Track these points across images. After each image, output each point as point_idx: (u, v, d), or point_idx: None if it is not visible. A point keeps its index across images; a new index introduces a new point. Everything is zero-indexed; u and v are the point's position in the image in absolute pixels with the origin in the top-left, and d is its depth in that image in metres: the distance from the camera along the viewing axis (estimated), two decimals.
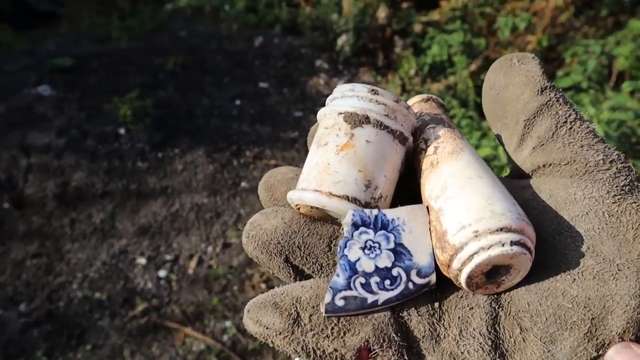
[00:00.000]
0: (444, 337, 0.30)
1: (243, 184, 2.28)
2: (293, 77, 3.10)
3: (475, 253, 0.29)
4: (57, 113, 2.40)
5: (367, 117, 0.35)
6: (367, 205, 0.34)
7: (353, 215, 0.32)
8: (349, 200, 0.33)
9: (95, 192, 2.11)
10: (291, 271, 0.35)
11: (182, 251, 1.95)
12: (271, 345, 0.31)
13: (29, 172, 2.12)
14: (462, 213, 0.31)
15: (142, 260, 1.89)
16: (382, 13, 2.80)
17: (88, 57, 2.87)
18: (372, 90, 0.36)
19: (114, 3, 3.40)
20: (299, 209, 0.36)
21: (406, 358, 0.30)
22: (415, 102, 0.43)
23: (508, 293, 0.31)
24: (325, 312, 0.30)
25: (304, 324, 0.30)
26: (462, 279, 0.30)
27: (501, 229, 0.29)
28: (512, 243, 0.29)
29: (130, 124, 2.37)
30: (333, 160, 0.34)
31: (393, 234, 0.32)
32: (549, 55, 2.37)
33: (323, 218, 0.36)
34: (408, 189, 0.38)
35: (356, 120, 0.35)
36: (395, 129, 0.35)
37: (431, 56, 2.50)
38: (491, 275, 0.30)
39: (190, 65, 2.99)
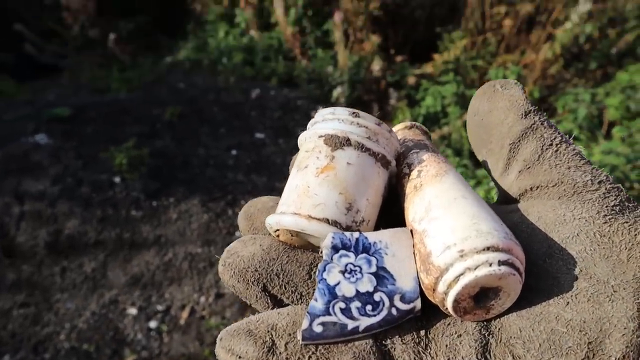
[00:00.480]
0: None
1: (237, 233, 2.26)
2: (289, 128, 3.13)
3: (462, 274, 0.28)
4: (53, 161, 2.40)
5: (348, 139, 0.34)
6: (348, 228, 0.32)
7: (333, 237, 0.31)
8: (329, 223, 0.32)
9: (88, 240, 2.08)
10: (269, 301, 0.33)
11: (174, 301, 1.91)
12: None
13: (21, 219, 2.10)
14: (446, 233, 0.29)
15: (132, 311, 1.85)
16: (376, 66, 2.86)
17: (87, 107, 2.90)
18: (354, 113, 0.35)
19: (115, 56, 3.47)
20: (278, 236, 0.35)
21: None
22: (399, 129, 0.42)
23: (498, 319, 0.29)
24: (303, 340, 0.28)
25: (279, 353, 0.28)
26: (449, 303, 0.28)
27: (488, 248, 0.28)
28: (500, 263, 0.27)
29: (125, 173, 2.37)
30: (313, 182, 0.33)
31: (375, 257, 0.31)
32: (541, 107, 2.40)
33: (303, 246, 0.35)
34: (392, 216, 0.37)
35: (337, 142, 0.34)
36: (377, 151, 0.35)
37: (425, 107, 2.54)
38: (479, 299, 0.29)
39: (187, 115, 3.02)
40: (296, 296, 0.33)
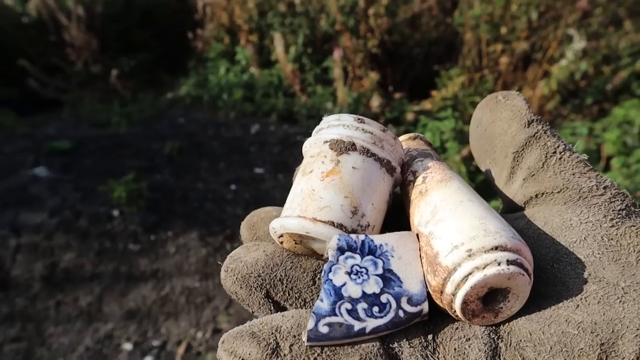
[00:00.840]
0: None
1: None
2: (288, 163, 3.14)
3: (470, 274, 0.27)
4: (52, 194, 2.39)
5: (354, 144, 0.34)
6: (353, 232, 0.32)
7: (339, 239, 0.30)
8: (334, 226, 0.31)
9: (84, 274, 2.06)
10: (272, 308, 0.32)
11: (170, 336, 1.87)
12: None
13: (17, 252, 2.08)
14: (454, 233, 0.29)
15: (127, 346, 1.81)
16: (375, 102, 2.89)
17: (86, 141, 2.92)
18: (359, 119, 0.35)
19: (116, 92, 3.51)
20: (282, 243, 0.34)
21: None
22: (403, 140, 0.42)
23: (507, 324, 0.29)
24: (308, 341, 0.27)
25: (284, 355, 0.27)
26: (457, 305, 0.28)
27: (496, 248, 0.27)
28: (509, 262, 0.27)
29: (124, 206, 2.36)
30: (318, 186, 0.33)
31: (381, 259, 0.30)
32: None
33: (307, 254, 0.34)
34: (397, 227, 0.36)
35: (342, 147, 0.34)
36: (383, 157, 0.35)
37: None
38: (488, 301, 0.28)
39: (187, 150, 3.03)
40: (300, 302, 0.32)
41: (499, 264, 0.27)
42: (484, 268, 0.27)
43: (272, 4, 3.45)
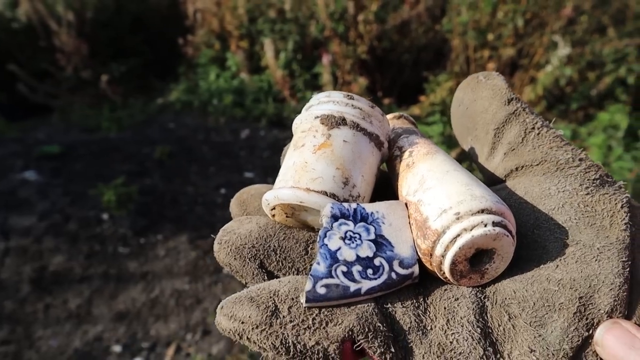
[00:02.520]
0: (431, 328, 0.29)
1: (225, 270, 2.24)
2: (278, 167, 3.14)
3: (458, 235, 0.29)
4: (41, 198, 2.39)
5: (344, 119, 0.35)
6: (345, 202, 0.33)
7: (332, 207, 0.32)
8: (327, 195, 0.33)
9: (73, 277, 2.05)
10: (266, 278, 0.33)
11: (160, 338, 1.87)
12: (247, 342, 0.29)
13: (6, 255, 2.07)
14: (442, 199, 0.30)
15: (117, 348, 1.81)
16: None
17: (76, 145, 2.91)
18: (348, 95, 0.37)
19: (106, 97, 3.50)
20: (273, 216, 0.35)
21: (393, 350, 0.28)
22: (388, 119, 0.44)
23: (493, 284, 0.31)
24: (306, 302, 0.29)
25: (283, 316, 0.28)
26: (446, 266, 0.29)
27: (482, 211, 0.29)
28: (495, 224, 0.29)
29: (113, 210, 2.36)
30: (310, 158, 0.34)
31: (373, 226, 0.32)
32: None
33: (298, 227, 0.35)
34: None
35: (333, 121, 0.35)
36: (372, 131, 0.36)
37: None
38: (475, 263, 0.30)
39: (177, 154, 3.04)
40: (293, 272, 0.33)
41: (485, 226, 0.29)
42: (471, 229, 0.29)
43: (263, 10, 3.48)
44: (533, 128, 0.36)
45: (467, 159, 0.44)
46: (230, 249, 0.33)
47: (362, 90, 3.01)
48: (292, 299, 0.29)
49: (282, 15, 3.41)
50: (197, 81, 3.73)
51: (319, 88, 3.33)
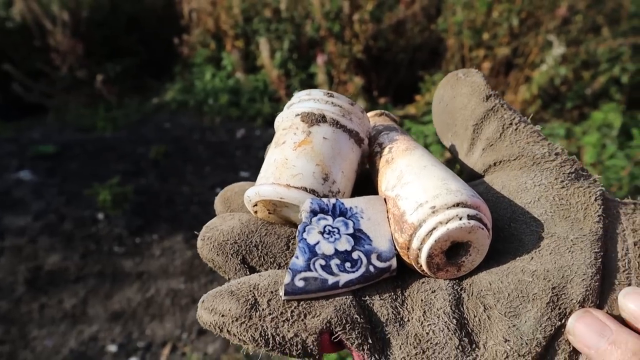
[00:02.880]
0: (408, 320, 0.30)
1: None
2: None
3: (434, 228, 0.29)
4: (36, 197, 2.38)
5: (324, 116, 0.36)
6: (325, 197, 0.34)
7: (311, 202, 0.32)
8: (307, 191, 0.33)
9: (69, 276, 2.05)
10: (248, 273, 0.34)
11: (155, 338, 1.87)
12: (227, 335, 0.29)
13: (1, 255, 2.07)
14: (418, 193, 0.31)
15: (112, 348, 1.81)
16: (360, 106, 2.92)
17: (71, 145, 2.91)
18: (328, 93, 0.38)
19: (101, 97, 3.50)
20: (256, 212, 0.36)
21: (370, 341, 0.29)
22: (370, 117, 0.45)
23: (469, 277, 0.31)
24: (285, 294, 0.29)
25: (262, 309, 0.29)
26: (423, 259, 0.30)
27: (458, 204, 0.30)
28: (470, 217, 0.29)
29: (109, 209, 2.35)
30: (291, 155, 0.35)
31: (352, 220, 0.32)
32: None
33: (280, 223, 0.36)
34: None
35: (313, 119, 0.36)
36: (351, 128, 0.37)
37: None
38: (451, 255, 0.31)
39: (172, 154, 3.03)
40: (274, 267, 0.34)
41: (460, 219, 0.29)
42: (446, 223, 0.29)
43: (258, 9, 3.48)
44: (511, 124, 0.37)
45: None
46: (213, 245, 0.34)
47: (357, 89, 3.01)
48: (272, 292, 0.30)
49: (278, 15, 3.41)
50: (192, 81, 3.73)
51: (314, 88, 3.32)
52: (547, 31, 2.58)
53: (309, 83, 3.39)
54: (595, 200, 0.32)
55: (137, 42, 4.03)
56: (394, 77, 3.30)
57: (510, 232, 0.32)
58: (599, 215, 0.31)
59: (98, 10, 3.87)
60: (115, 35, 3.91)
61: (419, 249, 0.30)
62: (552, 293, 0.29)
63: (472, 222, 0.29)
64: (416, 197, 0.31)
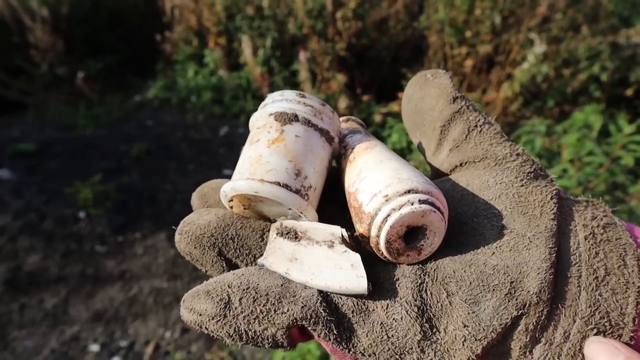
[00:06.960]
0: (373, 309, 0.31)
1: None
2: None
3: (389, 215, 0.31)
4: (16, 196, 2.35)
5: (296, 116, 0.38)
6: (297, 192, 0.35)
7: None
8: (280, 185, 0.35)
9: (49, 276, 2.03)
10: (224, 265, 0.36)
11: (138, 337, 1.86)
12: (205, 331, 0.32)
13: None
14: (373, 185, 0.33)
15: (94, 347, 1.79)
16: (343, 103, 2.93)
17: (52, 143, 2.87)
18: (300, 94, 0.40)
19: (82, 94, 3.46)
20: (232, 208, 0.38)
21: (335, 332, 0.31)
22: None
23: (434, 262, 0.33)
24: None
25: (235, 307, 0.31)
26: (382, 245, 0.32)
27: (409, 191, 0.32)
28: (421, 202, 0.31)
29: (90, 208, 2.33)
30: (265, 152, 0.36)
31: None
32: None
33: (255, 218, 0.38)
34: (337, 195, 0.41)
35: (286, 118, 0.38)
36: (322, 127, 0.39)
37: (391, 143, 2.60)
38: (409, 240, 0.33)
39: (155, 152, 3.01)
40: (250, 259, 0.36)
41: (412, 204, 0.31)
42: (399, 209, 0.31)
43: (241, 7, 3.46)
44: (476, 126, 0.39)
45: None
46: (190, 239, 0.36)
47: (341, 86, 3.02)
48: (244, 290, 0.32)
49: (260, 12, 3.40)
50: (175, 78, 3.71)
51: (297, 85, 3.33)
52: (528, 29, 2.61)
53: (292, 80, 3.38)
54: (551, 198, 0.34)
55: (119, 39, 3.99)
56: (377, 74, 3.31)
57: (472, 226, 0.34)
58: (554, 213, 0.34)
59: (79, 6, 3.83)
60: (96, 32, 3.87)
61: (378, 236, 0.32)
62: (511, 286, 0.31)
63: (424, 206, 0.31)
64: (371, 189, 0.33)
